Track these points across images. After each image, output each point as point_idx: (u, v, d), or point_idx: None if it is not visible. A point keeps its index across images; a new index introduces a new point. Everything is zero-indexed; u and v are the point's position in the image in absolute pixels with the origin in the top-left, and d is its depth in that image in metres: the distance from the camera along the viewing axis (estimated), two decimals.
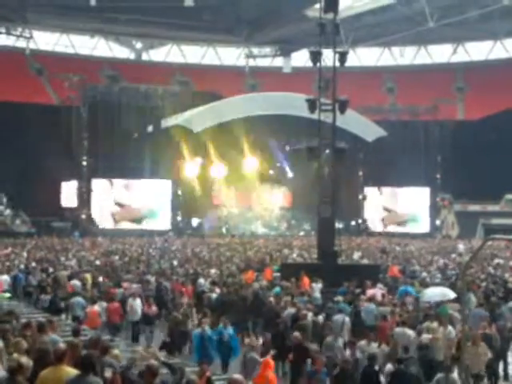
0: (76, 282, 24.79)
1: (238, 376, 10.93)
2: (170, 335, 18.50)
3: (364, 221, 40.99)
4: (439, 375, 13.53)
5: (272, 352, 14.76)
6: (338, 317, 18.56)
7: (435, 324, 16.54)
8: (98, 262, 33.09)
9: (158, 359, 11.88)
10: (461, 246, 46.69)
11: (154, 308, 21.47)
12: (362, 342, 15.65)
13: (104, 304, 20.93)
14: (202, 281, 25.82)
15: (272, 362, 13.41)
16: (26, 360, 9.36)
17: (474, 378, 15.06)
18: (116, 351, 12.26)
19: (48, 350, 9.90)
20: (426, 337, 15.95)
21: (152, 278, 26.13)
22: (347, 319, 18.48)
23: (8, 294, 24.72)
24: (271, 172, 72.72)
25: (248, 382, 12.41)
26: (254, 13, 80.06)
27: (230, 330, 17.33)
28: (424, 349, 15.71)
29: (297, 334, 15.63)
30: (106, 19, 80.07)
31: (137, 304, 21.23)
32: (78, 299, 21.04)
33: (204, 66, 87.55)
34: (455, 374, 13.62)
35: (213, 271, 28.96)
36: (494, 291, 22.54)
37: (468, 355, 14.55)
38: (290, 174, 72.78)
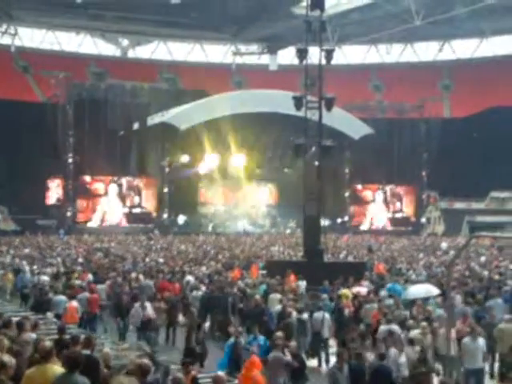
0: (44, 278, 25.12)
1: (221, 374, 10.92)
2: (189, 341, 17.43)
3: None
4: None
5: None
6: (318, 314, 18.68)
7: (424, 322, 16.54)
8: (80, 260, 33.01)
9: (144, 351, 11.80)
10: (444, 244, 46.82)
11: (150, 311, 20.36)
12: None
13: (86, 295, 21.48)
14: (189, 278, 25.74)
15: (258, 361, 13.15)
16: (8, 358, 9.26)
17: None
18: (106, 349, 12.19)
19: (21, 352, 9.85)
20: (415, 333, 15.93)
21: (141, 276, 26.02)
22: (327, 316, 18.57)
23: None
24: (258, 170, 72.61)
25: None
26: (241, 10, 79.88)
27: (262, 338, 15.96)
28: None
29: (279, 334, 15.25)
30: (92, 16, 79.77)
31: (145, 309, 20.22)
32: (61, 297, 20.94)
33: (190, 63, 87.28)
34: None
35: (203, 269, 28.98)
36: (479, 289, 22.59)
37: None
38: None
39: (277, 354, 13.74)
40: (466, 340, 15.32)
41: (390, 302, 19.84)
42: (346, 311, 19.98)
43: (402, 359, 14.02)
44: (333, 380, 13.12)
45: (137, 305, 20.52)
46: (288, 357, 13.87)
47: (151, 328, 20.18)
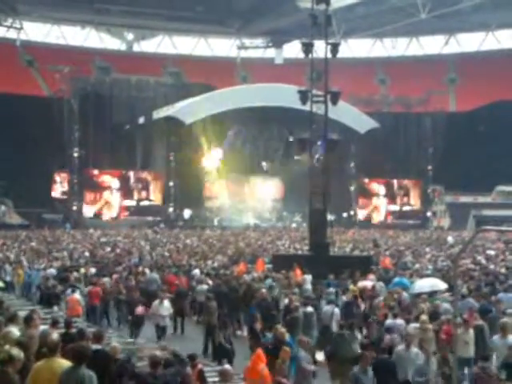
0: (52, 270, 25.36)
1: (228, 367, 10.88)
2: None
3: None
4: (400, 347, 13.58)
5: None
6: (327, 308, 18.56)
7: (425, 317, 16.42)
8: (87, 254, 33.05)
9: (168, 351, 11.81)
10: (450, 238, 46.74)
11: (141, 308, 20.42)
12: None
13: (88, 287, 21.84)
14: (196, 272, 25.76)
15: (263, 354, 13.02)
16: (17, 352, 9.28)
17: None
18: (114, 343, 12.21)
19: (28, 346, 9.89)
20: (412, 326, 15.78)
21: (147, 270, 26.06)
22: (336, 310, 18.44)
23: (1, 284, 24.62)
24: (263, 164, 72.58)
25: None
26: (246, 4, 79.89)
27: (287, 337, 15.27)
28: None
29: (282, 329, 15.07)
30: (97, 10, 79.88)
31: (163, 307, 20.00)
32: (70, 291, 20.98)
33: (195, 57, 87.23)
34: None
35: (209, 263, 29.04)
36: (485, 282, 22.51)
37: None
38: None
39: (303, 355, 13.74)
40: (495, 338, 14.59)
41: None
42: (354, 305, 19.92)
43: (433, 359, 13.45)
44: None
45: (156, 302, 20.34)
46: (312, 366, 13.67)
47: (141, 324, 20.14)
